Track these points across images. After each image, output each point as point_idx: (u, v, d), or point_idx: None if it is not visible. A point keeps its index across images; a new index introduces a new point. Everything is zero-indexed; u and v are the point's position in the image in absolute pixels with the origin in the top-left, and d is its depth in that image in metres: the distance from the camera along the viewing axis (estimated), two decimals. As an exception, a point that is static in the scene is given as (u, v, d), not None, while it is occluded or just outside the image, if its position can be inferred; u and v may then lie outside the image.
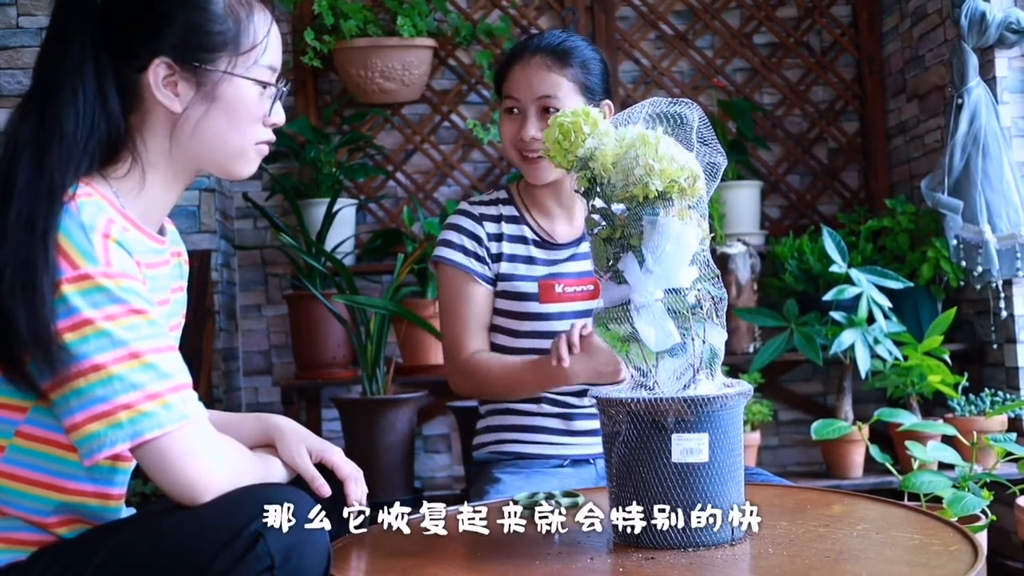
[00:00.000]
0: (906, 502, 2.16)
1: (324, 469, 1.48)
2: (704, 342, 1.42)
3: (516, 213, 2.09)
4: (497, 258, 2.06)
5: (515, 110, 2.02)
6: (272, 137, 1.44)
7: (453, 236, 2.07)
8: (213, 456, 1.27)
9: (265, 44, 1.39)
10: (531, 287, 2.03)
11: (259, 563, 1.20)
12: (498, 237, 2.07)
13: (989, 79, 3.25)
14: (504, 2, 3.85)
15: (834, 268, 3.08)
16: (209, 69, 1.35)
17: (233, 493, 1.27)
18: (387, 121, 3.84)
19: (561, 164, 1.49)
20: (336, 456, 1.49)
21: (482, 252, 2.05)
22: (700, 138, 1.47)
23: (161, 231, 1.45)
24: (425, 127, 3.86)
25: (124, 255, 1.27)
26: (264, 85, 1.39)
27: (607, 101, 2.04)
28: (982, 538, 2.40)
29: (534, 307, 2.02)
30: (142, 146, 1.37)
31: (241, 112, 1.38)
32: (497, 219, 2.08)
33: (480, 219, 2.07)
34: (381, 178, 3.84)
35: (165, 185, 1.40)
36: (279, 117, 1.43)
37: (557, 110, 1.96)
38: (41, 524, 1.32)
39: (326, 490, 1.44)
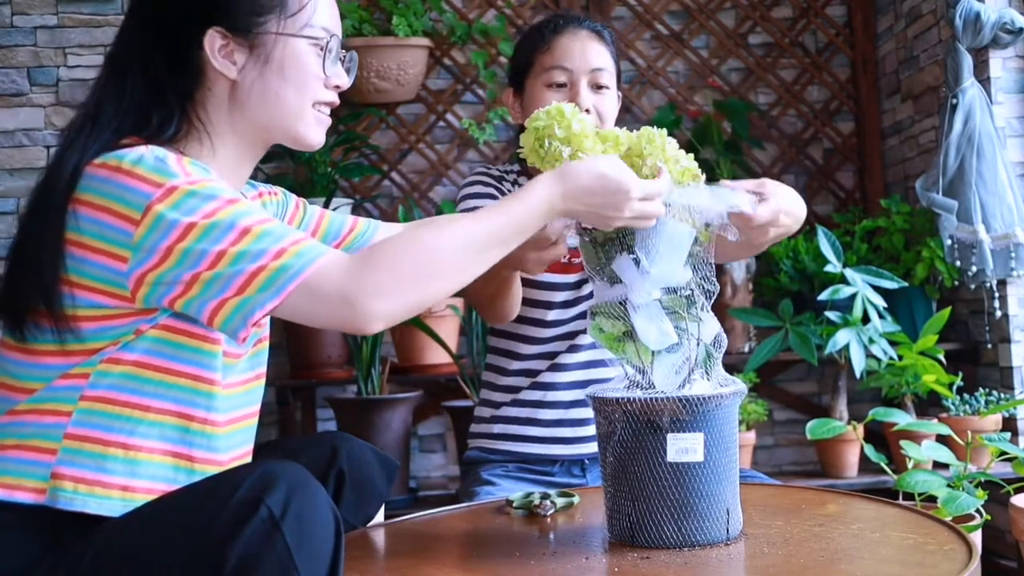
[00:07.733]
0: (901, 501, 2.17)
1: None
2: (699, 342, 1.42)
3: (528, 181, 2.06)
4: None
5: (560, 83, 1.92)
6: (334, 99, 1.45)
7: (474, 189, 2.01)
8: (358, 279, 1.24)
9: (314, 6, 1.41)
10: None
11: (263, 523, 1.15)
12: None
13: (983, 79, 3.25)
14: (499, 2, 3.85)
15: (829, 268, 3.08)
16: (260, 33, 1.37)
17: (235, 469, 1.26)
18: (382, 121, 3.83)
19: (543, 168, 1.47)
20: None
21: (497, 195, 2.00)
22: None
23: None
24: (420, 127, 3.85)
25: (203, 170, 1.29)
26: (316, 45, 1.40)
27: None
28: (976, 537, 2.40)
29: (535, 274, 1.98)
30: (207, 120, 1.39)
31: (295, 71, 1.39)
32: (513, 183, 2.04)
33: (497, 178, 2.03)
34: (376, 178, 3.84)
35: (235, 158, 1.42)
36: (341, 79, 1.45)
37: (605, 87, 1.92)
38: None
39: None
